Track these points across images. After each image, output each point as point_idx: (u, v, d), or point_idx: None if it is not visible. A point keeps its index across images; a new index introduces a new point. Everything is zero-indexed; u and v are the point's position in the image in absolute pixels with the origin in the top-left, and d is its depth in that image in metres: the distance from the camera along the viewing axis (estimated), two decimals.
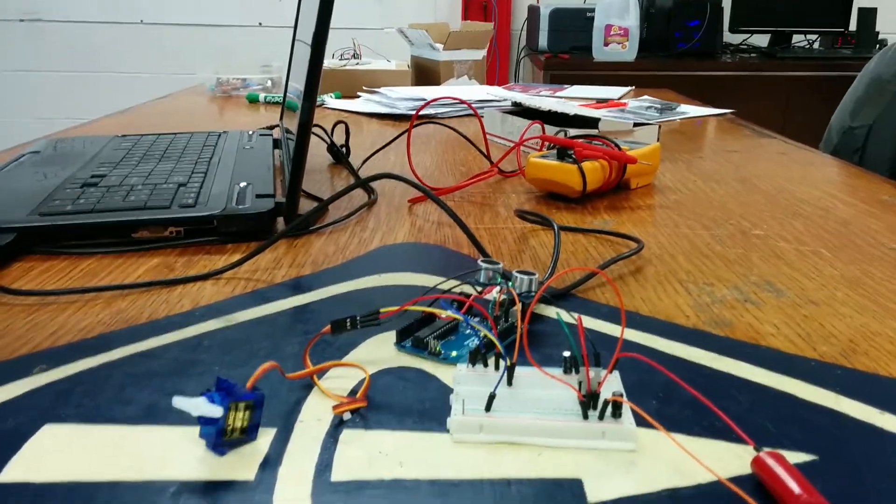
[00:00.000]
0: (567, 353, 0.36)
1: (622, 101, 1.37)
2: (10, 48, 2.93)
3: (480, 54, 1.63)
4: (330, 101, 1.38)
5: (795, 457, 0.32)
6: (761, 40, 2.80)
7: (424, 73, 1.65)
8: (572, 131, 0.86)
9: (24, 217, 0.57)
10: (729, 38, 2.74)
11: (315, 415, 0.35)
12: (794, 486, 0.28)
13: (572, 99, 1.38)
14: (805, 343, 0.42)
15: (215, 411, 0.31)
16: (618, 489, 0.30)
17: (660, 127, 0.97)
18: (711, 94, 1.76)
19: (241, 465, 0.31)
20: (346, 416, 0.34)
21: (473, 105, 0.98)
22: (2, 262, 0.54)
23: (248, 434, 0.32)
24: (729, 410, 0.35)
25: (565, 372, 0.36)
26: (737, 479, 0.30)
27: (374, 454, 0.32)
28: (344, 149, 0.87)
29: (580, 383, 0.34)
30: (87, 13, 2.90)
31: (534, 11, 2.67)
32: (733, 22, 2.68)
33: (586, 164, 0.69)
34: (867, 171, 0.88)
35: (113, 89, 2.93)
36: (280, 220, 0.62)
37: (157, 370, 0.38)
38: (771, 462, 0.30)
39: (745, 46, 2.78)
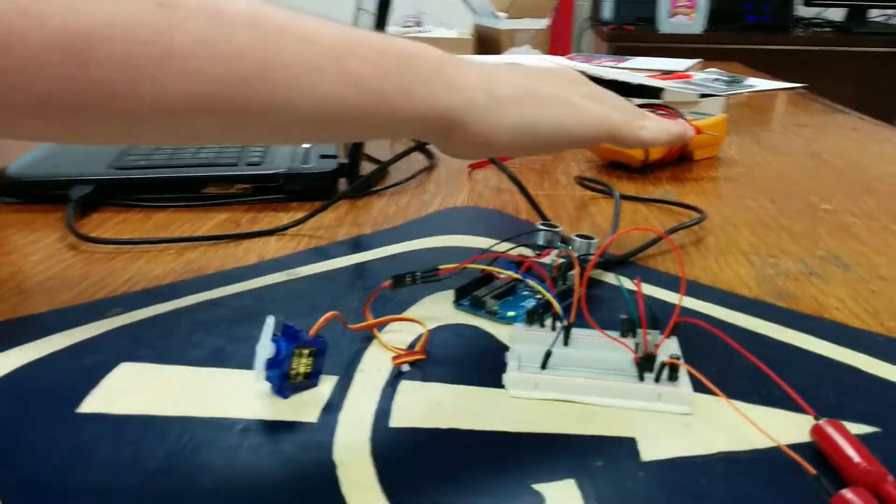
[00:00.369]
0: (624, 316, 0.36)
1: (688, 73, 1.34)
2: None
3: (543, 23, 1.61)
4: None
5: (857, 428, 0.31)
6: (836, 14, 2.69)
7: (486, 41, 1.64)
8: (636, 101, 0.85)
9: (101, 170, 0.60)
10: (802, 11, 2.64)
11: (375, 365, 0.36)
12: (854, 455, 0.28)
13: (636, 70, 1.36)
14: (872, 318, 0.41)
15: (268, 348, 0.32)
16: (672, 450, 0.30)
17: (727, 99, 0.95)
18: (781, 70, 1.70)
19: (304, 407, 0.32)
20: (405, 367, 0.35)
21: None
22: (81, 212, 0.56)
23: (311, 379, 0.34)
24: (789, 380, 0.34)
25: (622, 334, 0.36)
26: (795, 447, 0.30)
27: (430, 405, 0.32)
28: None
29: (637, 345, 0.34)
30: None
31: None
32: None
33: None
34: None
35: None
36: (342, 180, 0.63)
37: (224, 317, 0.40)
38: (830, 430, 0.29)
39: (819, 20, 2.68)
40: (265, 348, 0.31)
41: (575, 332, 0.36)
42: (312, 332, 0.34)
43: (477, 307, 0.41)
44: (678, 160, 0.74)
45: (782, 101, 1.14)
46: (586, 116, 0.43)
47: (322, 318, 0.34)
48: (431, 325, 0.39)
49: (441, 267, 0.39)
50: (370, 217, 0.57)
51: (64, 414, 0.31)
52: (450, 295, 0.42)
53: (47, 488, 0.27)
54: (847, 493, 0.26)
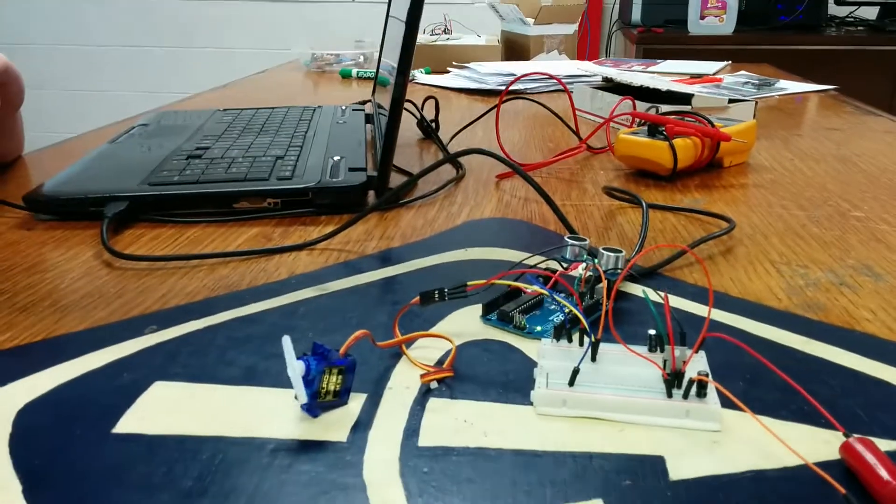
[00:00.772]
0: (652, 332, 0.36)
1: (718, 76, 1.33)
2: (118, 24, 3.07)
3: (571, 28, 1.61)
4: (420, 76, 1.39)
5: (887, 444, 0.31)
6: (869, 13, 2.64)
7: (514, 47, 1.64)
8: (664, 107, 0.85)
9: (135, 187, 0.61)
10: (834, 10, 2.60)
11: (403, 382, 0.36)
12: (884, 473, 0.28)
13: (665, 74, 1.35)
14: None
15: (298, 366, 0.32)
16: (700, 468, 0.30)
17: (756, 103, 0.94)
18: (814, 70, 1.68)
19: (334, 426, 0.32)
20: (433, 384, 0.36)
21: (563, 80, 0.98)
22: (116, 229, 0.58)
23: (341, 397, 0.34)
24: (818, 395, 0.34)
25: (650, 350, 0.36)
26: (824, 465, 0.30)
27: (459, 422, 0.33)
28: (434, 124, 0.88)
29: (665, 361, 0.34)
30: None
31: None
32: None
33: (677, 142, 0.68)
34: None
35: (213, 64, 3.04)
36: (371, 193, 0.64)
37: (257, 334, 0.41)
38: (860, 448, 0.29)
39: (852, 19, 2.63)
40: (296, 370, 0.32)
41: (603, 347, 0.36)
42: (342, 350, 0.34)
43: (504, 322, 0.41)
44: (707, 167, 0.73)
45: (813, 104, 1.13)
46: None
47: (351, 338, 0.35)
48: (459, 342, 0.40)
49: (469, 283, 0.39)
50: (399, 230, 0.58)
51: (100, 435, 0.32)
52: (477, 310, 0.43)
53: None
54: None
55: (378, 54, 1.05)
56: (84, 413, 0.33)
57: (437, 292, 0.39)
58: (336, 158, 0.67)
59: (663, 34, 2.40)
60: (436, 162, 0.60)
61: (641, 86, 0.95)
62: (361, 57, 1.53)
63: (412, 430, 0.32)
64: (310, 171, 0.64)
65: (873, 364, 0.37)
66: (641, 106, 0.86)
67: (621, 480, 0.29)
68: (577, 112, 0.91)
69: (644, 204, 0.58)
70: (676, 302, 0.44)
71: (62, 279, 0.49)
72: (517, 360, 0.38)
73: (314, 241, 0.54)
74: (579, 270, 0.44)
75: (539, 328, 0.41)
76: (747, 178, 0.71)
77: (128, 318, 0.43)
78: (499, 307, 0.42)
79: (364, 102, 1.04)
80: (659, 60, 1.59)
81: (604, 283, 0.41)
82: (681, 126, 0.70)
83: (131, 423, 0.33)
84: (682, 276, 0.48)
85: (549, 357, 0.36)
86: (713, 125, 0.71)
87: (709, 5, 2.33)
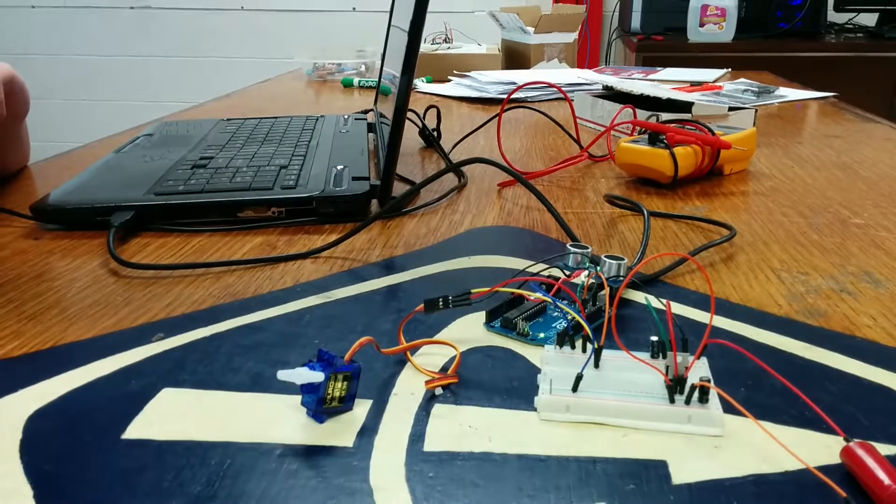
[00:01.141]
0: (654, 338, 0.37)
1: (717, 83, 1.33)
2: (121, 34, 3.08)
3: (571, 37, 1.62)
4: (421, 85, 1.40)
5: (888, 449, 0.31)
6: (869, 19, 2.65)
7: (515, 56, 1.65)
8: (665, 116, 0.85)
9: (141, 196, 0.62)
10: (833, 16, 2.61)
11: (408, 388, 0.36)
12: (884, 477, 0.28)
13: (665, 82, 1.36)
14: None
15: (317, 376, 0.33)
16: (703, 472, 0.30)
17: (756, 111, 0.95)
18: (813, 77, 1.69)
19: (340, 432, 0.33)
20: (438, 391, 0.36)
21: (564, 89, 0.98)
22: (122, 238, 0.58)
23: (346, 403, 0.34)
24: (819, 400, 0.34)
25: (652, 356, 0.37)
26: (825, 469, 0.30)
27: (464, 428, 0.33)
28: (435, 133, 0.89)
29: (667, 367, 0.34)
30: (192, 1, 3.02)
31: None
32: (838, 0, 2.55)
33: (678, 150, 0.69)
34: None
35: (216, 73, 3.06)
36: (374, 201, 0.64)
37: (263, 341, 0.41)
38: (861, 452, 0.29)
39: (851, 26, 2.64)
40: (301, 377, 0.32)
41: (606, 353, 0.36)
42: (347, 357, 0.35)
43: (508, 329, 0.42)
44: (707, 175, 0.74)
45: (813, 112, 1.13)
46: None
47: (356, 344, 0.35)
48: (463, 348, 0.40)
49: (473, 291, 0.40)
50: (402, 238, 0.58)
51: (109, 441, 0.32)
52: (481, 317, 0.43)
53: None
54: None
55: (380, 63, 1.05)
56: (93, 419, 0.34)
57: (441, 300, 0.40)
58: (339, 168, 0.68)
59: (663, 42, 2.42)
60: (438, 171, 0.60)
61: (642, 94, 0.95)
62: (363, 66, 1.54)
63: (417, 436, 0.33)
64: (313, 180, 0.65)
65: (874, 370, 0.38)
66: (642, 114, 0.87)
67: (624, 485, 0.29)
68: (578, 120, 0.92)
69: (645, 212, 0.58)
70: (678, 309, 0.45)
71: (69, 288, 0.49)
72: (521, 367, 0.38)
73: (318, 250, 0.55)
74: (582, 278, 0.44)
75: (542, 335, 0.41)
76: (748, 186, 0.72)
77: (135, 325, 0.43)
78: (502, 314, 0.43)
79: (366, 112, 1.04)
80: (659, 68, 1.60)
81: (606, 291, 0.42)
82: (681, 134, 0.70)
83: (140, 429, 0.33)
84: (683, 283, 0.49)
85: (553, 363, 0.37)
86: (713, 133, 0.72)
87: (708, 13, 2.34)
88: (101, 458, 0.31)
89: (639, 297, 0.46)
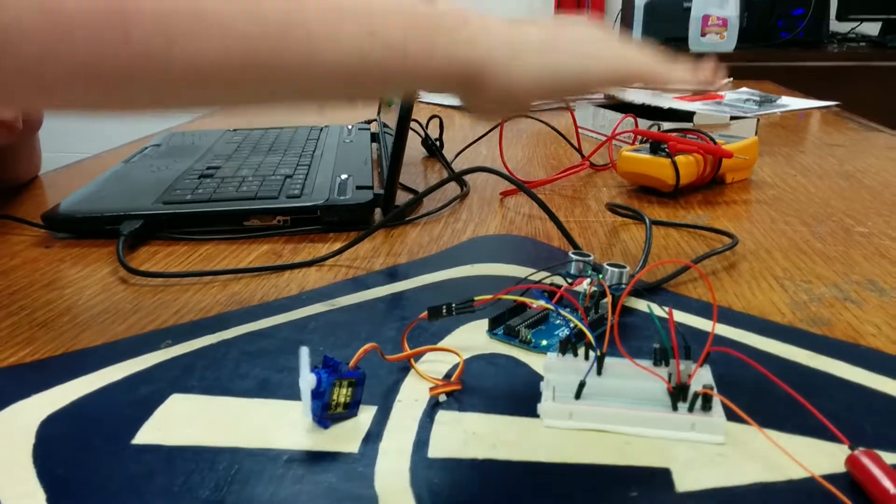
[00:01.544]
0: (657, 346, 0.37)
1: (719, 93, 1.34)
2: None
3: None
4: (423, 94, 1.41)
5: (893, 458, 0.31)
6: (871, 28, 2.66)
7: None
8: (666, 125, 0.86)
9: (149, 205, 0.62)
10: (836, 26, 2.62)
11: (412, 395, 0.37)
12: (890, 486, 0.28)
13: (666, 91, 1.36)
14: None
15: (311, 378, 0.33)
16: (706, 480, 0.30)
17: (758, 120, 0.95)
18: (815, 87, 1.69)
19: (346, 438, 0.33)
20: (442, 397, 0.36)
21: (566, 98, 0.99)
22: (131, 246, 0.59)
23: (351, 409, 0.35)
24: (823, 409, 0.35)
25: (655, 364, 0.37)
26: (830, 478, 0.30)
27: (468, 435, 0.33)
28: (438, 142, 0.89)
29: (670, 375, 0.35)
30: None
31: (628, 2, 2.62)
32: (841, 9, 2.56)
33: (680, 158, 0.69)
34: None
35: None
36: (378, 210, 0.65)
37: (269, 348, 0.41)
38: (866, 461, 0.29)
39: (854, 35, 2.65)
40: (307, 381, 0.33)
41: (608, 361, 0.37)
42: (352, 363, 0.35)
43: (511, 336, 0.42)
44: (709, 184, 0.74)
45: (815, 121, 1.14)
46: (608, 59, 0.45)
47: (361, 350, 0.35)
48: (467, 355, 0.40)
49: (476, 298, 0.40)
50: (405, 246, 0.58)
51: (120, 445, 0.33)
52: (484, 324, 0.43)
53: None
54: None
55: None
56: (104, 424, 0.34)
57: (444, 307, 0.40)
58: (343, 177, 0.69)
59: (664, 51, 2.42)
60: (441, 180, 0.61)
61: (643, 103, 0.96)
62: None
63: (422, 442, 0.33)
64: (318, 189, 0.65)
65: (878, 378, 0.38)
66: (643, 123, 0.87)
67: (628, 492, 0.30)
68: (580, 130, 0.92)
69: (647, 220, 0.59)
70: (680, 317, 0.45)
71: (80, 295, 0.50)
72: (524, 374, 0.39)
73: (323, 258, 0.55)
74: (584, 286, 0.45)
75: (545, 342, 0.41)
76: (750, 195, 0.72)
77: (144, 332, 0.44)
78: (505, 322, 0.43)
79: (370, 122, 1.05)
80: None
81: (608, 298, 0.42)
82: (683, 143, 0.71)
83: (150, 434, 0.33)
84: (685, 291, 0.49)
85: (556, 371, 0.37)
86: (715, 142, 0.72)
87: (710, 23, 2.34)
88: (111, 462, 0.31)
89: (641, 304, 0.47)
